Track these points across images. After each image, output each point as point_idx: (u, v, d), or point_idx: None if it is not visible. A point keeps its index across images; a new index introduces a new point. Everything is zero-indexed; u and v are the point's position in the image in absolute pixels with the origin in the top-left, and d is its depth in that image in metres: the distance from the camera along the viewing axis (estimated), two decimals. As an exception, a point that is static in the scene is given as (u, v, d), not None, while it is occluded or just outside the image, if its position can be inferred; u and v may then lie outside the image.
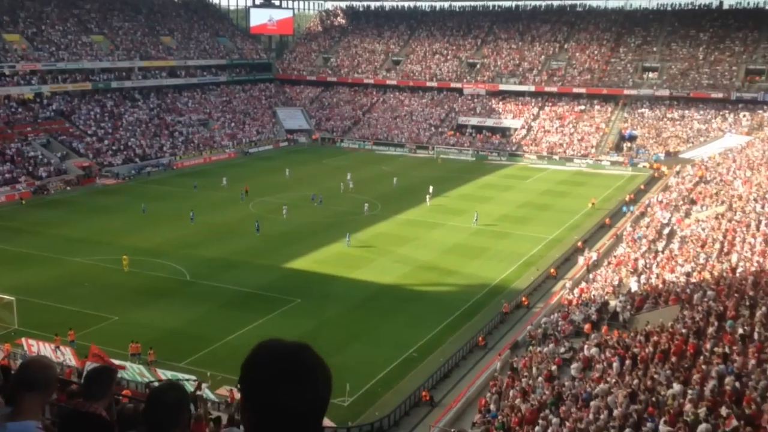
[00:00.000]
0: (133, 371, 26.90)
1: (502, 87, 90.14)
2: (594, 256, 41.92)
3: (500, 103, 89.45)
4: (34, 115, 71.01)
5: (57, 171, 63.37)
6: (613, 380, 22.51)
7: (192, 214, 50.17)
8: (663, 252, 37.64)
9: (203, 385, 25.60)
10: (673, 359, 22.34)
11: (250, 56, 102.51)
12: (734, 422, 16.51)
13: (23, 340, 28.99)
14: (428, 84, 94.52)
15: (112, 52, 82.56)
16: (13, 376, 3.41)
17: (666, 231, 42.13)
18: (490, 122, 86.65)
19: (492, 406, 24.24)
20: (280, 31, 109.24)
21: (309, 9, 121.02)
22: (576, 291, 36.05)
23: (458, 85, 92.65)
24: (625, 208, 55.08)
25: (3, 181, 58.44)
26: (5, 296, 32.50)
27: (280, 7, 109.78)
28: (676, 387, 20.02)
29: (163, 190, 61.43)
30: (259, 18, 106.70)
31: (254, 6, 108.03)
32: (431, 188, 58.83)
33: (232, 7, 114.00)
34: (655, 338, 24.62)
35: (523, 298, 36.74)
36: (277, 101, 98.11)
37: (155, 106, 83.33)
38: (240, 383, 2.08)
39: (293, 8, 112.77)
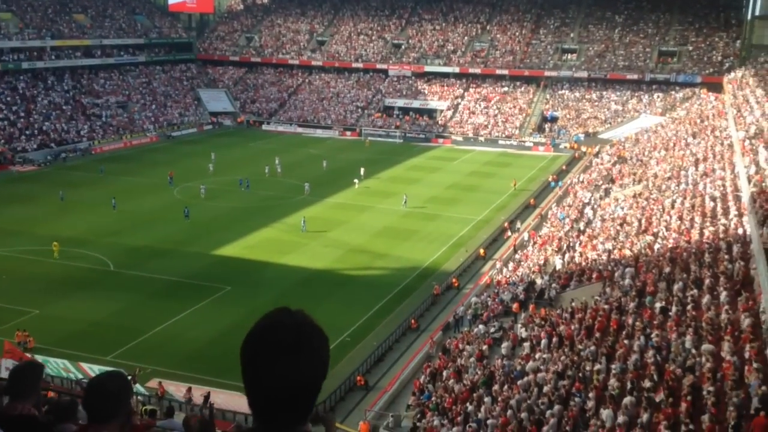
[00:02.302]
0: (57, 367, 25.96)
1: (427, 68, 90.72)
2: (526, 236, 43.04)
3: (426, 84, 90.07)
4: (-64, 97, 66.70)
5: (-36, 158, 59.88)
6: (542, 358, 23.35)
7: (114, 201, 48.49)
8: (585, 231, 39.07)
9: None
10: (598, 335, 23.34)
11: (170, 35, 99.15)
12: (661, 395, 17.45)
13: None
14: (354, 65, 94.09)
15: (22, 31, 78.17)
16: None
17: (587, 210, 43.71)
18: (416, 104, 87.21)
19: (427, 387, 24.73)
20: (200, 9, 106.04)
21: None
22: (505, 271, 37.03)
23: (384, 67, 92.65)
24: (553, 184, 57.36)
25: None
26: None
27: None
28: (601, 362, 20.97)
29: (81, 176, 59.01)
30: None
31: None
32: (362, 170, 58.89)
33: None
34: (580, 315, 25.64)
35: (454, 280, 37.45)
36: (199, 82, 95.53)
37: (70, 87, 79.66)
38: None
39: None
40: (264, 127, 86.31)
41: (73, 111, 75.46)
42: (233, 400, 23.32)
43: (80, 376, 24.66)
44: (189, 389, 24.94)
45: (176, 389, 25.63)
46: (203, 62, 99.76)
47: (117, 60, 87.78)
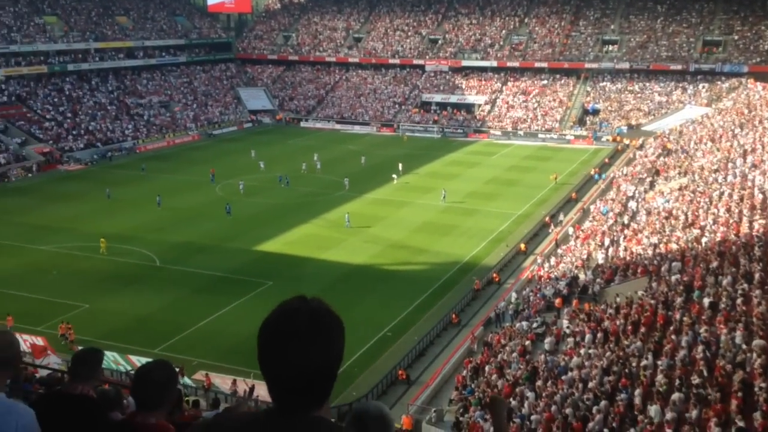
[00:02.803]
0: (107, 359, 26.62)
1: (465, 63, 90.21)
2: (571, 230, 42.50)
3: (463, 79, 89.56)
4: (-12, 100, 68.87)
5: (16, 157, 61.71)
6: (586, 353, 23.07)
7: (158, 199, 49.45)
8: (629, 225, 38.43)
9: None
10: (644, 330, 22.97)
11: (209, 35, 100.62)
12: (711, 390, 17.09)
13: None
14: (391, 61, 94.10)
15: (67, 34, 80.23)
16: None
17: (631, 204, 42.97)
18: (454, 99, 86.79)
19: (468, 383, 24.68)
20: (239, 9, 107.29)
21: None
22: (547, 265, 36.67)
23: (421, 62, 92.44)
24: (596, 177, 56.79)
25: (-41, 170, 56.78)
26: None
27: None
28: (648, 358, 20.63)
29: (127, 174, 60.33)
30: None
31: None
32: (401, 165, 58.95)
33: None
34: (625, 310, 25.26)
35: (494, 275, 37.23)
36: (238, 81, 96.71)
37: (114, 88, 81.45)
38: None
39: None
40: (302, 124, 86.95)
41: (118, 111, 77.14)
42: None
43: (129, 368, 25.29)
44: (234, 381, 25.34)
45: (222, 381, 26.08)
46: (242, 61, 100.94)
47: (159, 61, 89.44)
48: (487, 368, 25.07)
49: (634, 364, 20.54)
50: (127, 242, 41.66)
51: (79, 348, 20.26)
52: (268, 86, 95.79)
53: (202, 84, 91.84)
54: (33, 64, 74.67)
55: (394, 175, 57.26)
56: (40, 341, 27.21)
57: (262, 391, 23.94)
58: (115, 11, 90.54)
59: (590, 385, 20.33)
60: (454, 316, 32.37)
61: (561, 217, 46.86)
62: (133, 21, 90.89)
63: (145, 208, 48.89)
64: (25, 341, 27.52)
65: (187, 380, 25.64)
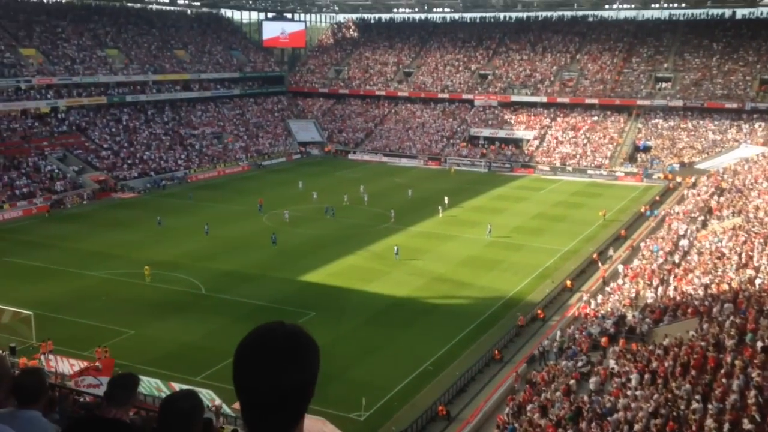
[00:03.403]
0: (150, 386, 26.94)
1: (514, 98, 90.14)
2: (621, 268, 41.50)
3: (512, 114, 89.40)
4: (50, 129, 71.77)
5: (73, 185, 63.95)
6: (633, 395, 22.32)
7: (206, 227, 50.39)
8: (680, 264, 37.34)
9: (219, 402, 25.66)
10: (693, 373, 22.15)
11: (263, 69, 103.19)
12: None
13: (49, 355, 29.15)
14: (440, 95, 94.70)
15: (127, 66, 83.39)
16: None
17: (683, 243, 41.82)
18: (502, 133, 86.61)
19: (510, 421, 24.08)
20: (293, 43, 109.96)
21: (321, 21, 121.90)
22: (593, 303, 35.83)
23: (470, 97, 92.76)
24: (648, 213, 56.17)
25: (20, 196, 59.02)
26: (23, 311, 32.75)
27: (292, 20, 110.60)
28: (698, 401, 19.83)
29: (178, 203, 61.80)
30: (271, 31, 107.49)
31: (267, 19, 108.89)
32: (446, 199, 58.90)
33: (245, 21, 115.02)
34: (674, 351, 24.42)
35: (539, 311, 36.54)
36: (289, 114, 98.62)
37: (169, 119, 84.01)
38: None
39: (305, 21, 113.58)
40: (350, 156, 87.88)
41: (172, 141, 79.41)
42: (315, 425, 23.47)
43: (170, 395, 25.46)
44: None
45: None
46: (293, 94, 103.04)
47: (213, 93, 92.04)
48: (529, 407, 24.47)
49: (682, 408, 19.75)
50: (174, 270, 42.45)
51: (118, 372, 20.59)
52: (318, 119, 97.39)
53: (254, 116, 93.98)
54: (93, 95, 77.68)
55: (440, 208, 57.19)
56: (81, 364, 27.73)
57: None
58: (174, 45, 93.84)
59: (636, 427, 19.62)
60: (496, 352, 31.80)
61: (610, 252, 45.91)
62: (190, 55, 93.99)
63: (194, 236, 49.85)
64: (72, 365, 28.13)
65: (226, 409, 25.73)
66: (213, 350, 31.59)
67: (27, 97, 71.96)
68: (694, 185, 61.18)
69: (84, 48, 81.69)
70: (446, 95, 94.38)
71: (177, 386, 26.78)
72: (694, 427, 18.37)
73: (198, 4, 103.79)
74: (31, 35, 78.20)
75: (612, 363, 26.15)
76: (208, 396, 26.07)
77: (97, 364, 26.99)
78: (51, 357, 28.71)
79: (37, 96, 72.74)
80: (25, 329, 31.65)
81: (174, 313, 36.03)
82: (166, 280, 40.62)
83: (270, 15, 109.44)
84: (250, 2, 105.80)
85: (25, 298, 35.92)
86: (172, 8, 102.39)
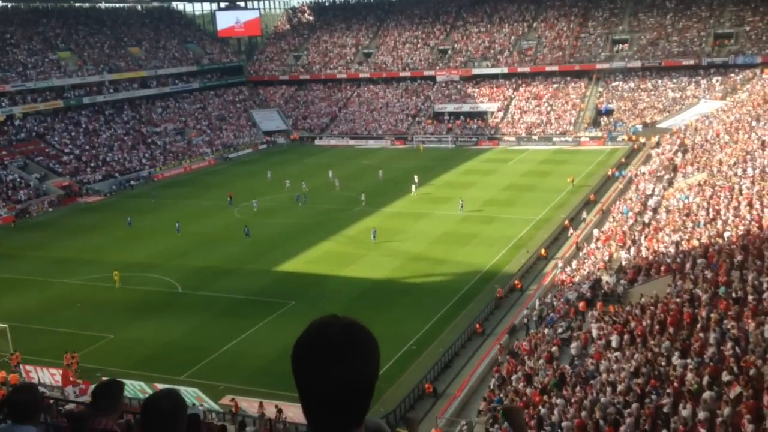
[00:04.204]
0: (134, 389, 26.73)
1: (475, 71, 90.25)
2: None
3: (475, 87, 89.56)
4: (8, 138, 70.09)
5: (37, 193, 62.64)
6: (614, 356, 22.75)
7: (178, 225, 49.83)
8: (650, 223, 37.99)
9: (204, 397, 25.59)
10: (671, 330, 22.62)
11: (221, 60, 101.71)
12: (738, 389, 16.76)
13: (21, 366, 28.75)
14: (401, 74, 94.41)
15: (81, 68, 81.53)
16: None
17: (651, 202, 42.51)
18: (466, 107, 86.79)
19: (496, 392, 24.42)
20: (248, 32, 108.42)
21: (275, 8, 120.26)
22: (569, 269, 36.32)
23: (431, 73, 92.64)
24: (617, 174, 57.05)
25: (-18, 208, 57.70)
26: (-3, 324, 32.14)
27: (246, 8, 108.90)
28: (677, 357, 20.29)
29: (145, 203, 60.91)
30: (225, 21, 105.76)
31: (220, 9, 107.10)
32: (416, 178, 58.96)
33: (197, 12, 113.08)
34: (651, 310, 24.91)
35: (516, 282, 36.95)
36: (251, 104, 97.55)
37: (130, 118, 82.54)
38: None
39: (259, 8, 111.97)
40: (317, 142, 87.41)
41: (134, 141, 78.11)
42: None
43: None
44: (260, 404, 25.31)
45: (249, 405, 26.05)
46: (254, 84, 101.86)
47: (172, 88, 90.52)
48: (514, 377, 24.81)
49: (663, 365, 20.20)
50: (148, 270, 41.98)
51: (102, 379, 20.39)
52: (281, 107, 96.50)
53: (216, 108, 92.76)
54: (49, 100, 75.93)
55: (413, 186, 57.29)
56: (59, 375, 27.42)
57: (290, 413, 23.88)
58: (127, 42, 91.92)
59: (619, 388, 20.03)
60: (477, 326, 32.14)
61: (584, 215, 46.58)
62: (145, 51, 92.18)
63: (165, 235, 49.28)
64: (53, 375, 27.79)
65: (214, 405, 25.68)
66: (195, 348, 31.46)
67: (-20, 107, 70.08)
68: (657, 144, 62.11)
69: (35, 52, 79.64)
70: (408, 73, 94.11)
71: (161, 387, 26.63)
72: (675, 383, 18.80)
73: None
74: (-22, 43, 76.01)
75: (591, 327, 26.59)
76: (193, 394, 25.98)
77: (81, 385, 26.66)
78: (24, 368, 28.33)
79: (-10, 105, 70.89)
80: (2, 342, 31.10)
81: (152, 314, 35.69)
82: (141, 282, 40.17)
83: (223, 5, 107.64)
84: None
85: (-2, 312, 35.27)
86: (122, 5, 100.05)
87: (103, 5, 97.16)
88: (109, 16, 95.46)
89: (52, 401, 17.62)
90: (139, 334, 33.32)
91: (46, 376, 27.77)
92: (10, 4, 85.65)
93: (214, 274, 40.91)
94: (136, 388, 26.57)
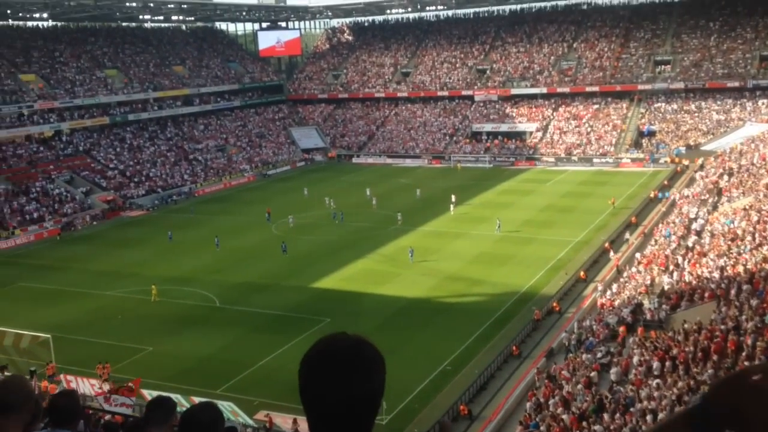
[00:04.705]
0: (171, 402, 26.99)
1: (514, 91, 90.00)
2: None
3: (513, 107, 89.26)
4: (55, 152, 72.12)
5: (82, 206, 64.20)
6: (655, 383, 22.21)
7: (217, 240, 50.49)
8: (694, 248, 37.17)
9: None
10: (715, 357, 22.02)
11: (261, 79, 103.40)
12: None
13: (62, 376, 29.30)
14: (439, 93, 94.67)
15: (126, 85, 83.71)
16: None
17: (695, 226, 41.62)
18: (504, 127, 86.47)
19: (532, 417, 24.00)
20: (289, 52, 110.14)
21: (315, 28, 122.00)
22: (609, 293, 35.69)
23: (469, 93, 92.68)
24: (661, 195, 56.36)
25: (30, 220, 59.30)
26: (41, 334, 32.87)
27: (287, 28, 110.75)
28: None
29: (186, 218, 61.94)
30: (267, 41, 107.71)
31: (261, 29, 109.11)
32: (453, 197, 58.79)
33: (240, 32, 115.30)
34: (694, 337, 24.28)
35: (554, 304, 36.43)
36: (290, 122, 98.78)
37: (173, 135, 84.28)
38: None
39: (300, 28, 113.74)
40: (354, 160, 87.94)
41: (176, 157, 79.64)
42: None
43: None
44: (294, 420, 25.32)
45: (283, 421, 26.08)
46: (293, 102, 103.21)
47: (214, 106, 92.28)
48: (551, 401, 24.37)
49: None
50: (187, 284, 42.56)
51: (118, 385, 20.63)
52: (320, 125, 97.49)
53: (256, 126, 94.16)
54: (95, 116, 78.00)
55: (451, 205, 57.15)
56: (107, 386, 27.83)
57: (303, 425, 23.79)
58: (171, 61, 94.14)
59: (660, 416, 19.51)
60: (514, 348, 31.73)
61: (627, 236, 45.87)
62: (188, 70, 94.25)
63: (205, 249, 49.95)
64: (92, 386, 28.23)
65: (249, 420, 25.79)
66: (231, 362, 31.68)
67: (30, 123, 72.31)
68: (701, 167, 60.93)
69: (83, 70, 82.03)
70: (446, 93, 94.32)
71: (198, 400, 26.86)
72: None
73: (192, 18, 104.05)
74: (30, 61, 78.61)
75: (631, 352, 26.02)
76: (228, 408, 26.13)
77: (130, 384, 27.02)
78: (65, 378, 28.83)
79: (40, 120, 73.11)
80: (45, 352, 31.77)
81: (190, 327, 36.12)
82: (180, 295, 40.72)
83: (264, 25, 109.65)
84: (244, 13, 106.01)
85: (42, 322, 36.08)
86: (167, 25, 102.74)
87: (148, 25, 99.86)
88: (154, 35, 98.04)
89: (91, 411, 17.90)
90: (177, 347, 33.70)
91: (86, 387, 28.24)
92: (60, 23, 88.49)
93: (251, 290, 41.26)
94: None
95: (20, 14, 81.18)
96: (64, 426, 3.83)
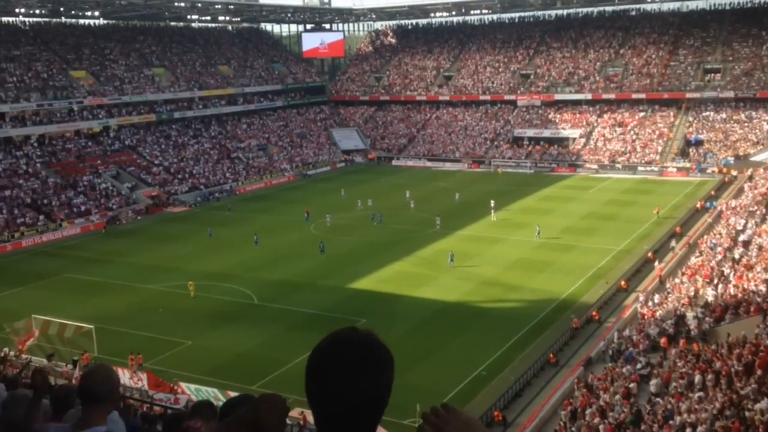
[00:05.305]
0: (208, 395, 27.41)
1: (558, 96, 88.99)
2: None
3: (557, 113, 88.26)
4: (103, 148, 73.89)
5: (127, 201, 65.63)
6: (696, 396, 21.70)
7: (256, 238, 51.07)
8: (740, 260, 36.21)
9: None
10: (759, 372, 21.40)
11: (304, 80, 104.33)
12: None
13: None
14: (481, 97, 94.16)
15: (173, 84, 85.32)
16: (79, 387, 3.48)
17: (742, 237, 40.55)
18: (547, 133, 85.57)
19: (568, 426, 23.67)
20: (332, 53, 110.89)
21: (359, 30, 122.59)
22: (651, 304, 34.99)
23: (512, 97, 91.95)
24: (708, 205, 54.95)
25: (77, 213, 60.86)
26: (84, 324, 33.70)
27: (330, 30, 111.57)
28: (764, 402, 19.15)
29: (227, 215, 62.82)
30: (311, 42, 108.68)
31: (306, 31, 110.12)
32: (493, 202, 58.32)
33: (284, 33, 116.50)
34: (738, 351, 23.65)
35: (594, 313, 35.86)
36: (332, 123, 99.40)
37: (216, 133, 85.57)
38: None
39: (343, 30, 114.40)
40: (394, 162, 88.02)
41: (219, 155, 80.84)
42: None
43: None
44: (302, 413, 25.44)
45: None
46: (335, 103, 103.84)
47: (257, 106, 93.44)
48: (588, 411, 23.99)
49: (748, 408, 19.10)
50: (227, 280, 43.14)
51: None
52: (360, 126, 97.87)
53: (297, 126, 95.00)
54: (142, 113, 79.72)
55: (492, 210, 56.74)
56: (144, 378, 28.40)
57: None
58: (217, 61, 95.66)
59: (699, 430, 19.05)
60: (551, 355, 31.32)
61: (672, 243, 44.93)
62: (233, 70, 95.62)
63: (244, 247, 50.57)
64: (132, 377, 28.83)
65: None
66: (267, 359, 31.99)
67: (80, 118, 74.22)
68: (750, 178, 59.36)
69: (131, 68, 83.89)
70: (488, 97, 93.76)
71: (233, 395, 27.18)
72: (760, 429, 17.74)
73: (238, 19, 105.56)
74: (81, 58, 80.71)
75: (673, 365, 25.47)
76: (264, 405, 26.36)
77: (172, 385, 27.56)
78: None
79: (89, 116, 74.98)
80: (87, 343, 32.55)
81: (228, 323, 36.60)
82: (219, 291, 41.30)
83: (309, 26, 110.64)
84: (289, 15, 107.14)
85: (86, 313, 37.00)
86: (213, 25, 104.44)
87: (196, 25, 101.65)
88: (201, 35, 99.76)
89: (131, 400, 18.26)
90: (215, 341, 34.18)
91: (126, 378, 28.82)
92: (110, 22, 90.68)
93: (289, 288, 41.60)
94: (210, 395, 27.25)
95: (72, 12, 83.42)
96: (93, 405, 3.92)
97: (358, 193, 66.59)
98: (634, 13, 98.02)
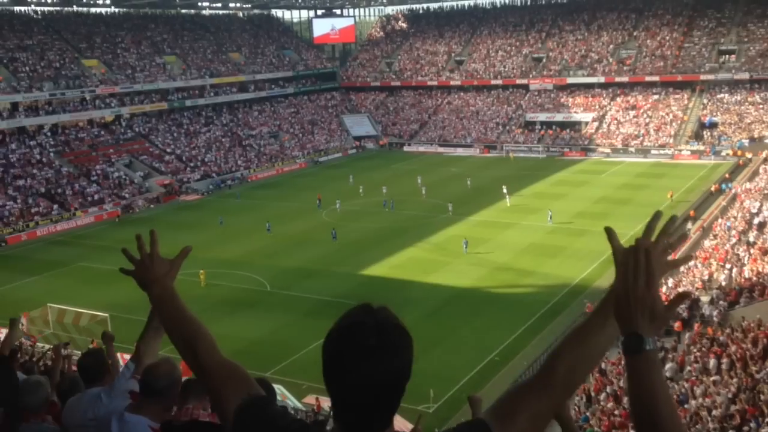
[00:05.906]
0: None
1: (570, 80, 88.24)
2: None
3: (569, 96, 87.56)
4: (115, 137, 74.21)
5: (140, 190, 65.97)
6: (711, 380, 21.60)
7: (268, 225, 51.21)
8: (755, 243, 35.90)
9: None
10: (775, 356, 21.26)
11: (315, 66, 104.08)
12: None
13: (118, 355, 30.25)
14: (493, 82, 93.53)
15: (185, 72, 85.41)
16: (141, 379, 3.53)
17: (756, 221, 40.18)
18: (559, 117, 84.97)
19: (582, 410, 23.66)
20: (343, 39, 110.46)
21: (370, 15, 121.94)
22: (664, 288, 34.79)
23: (524, 81, 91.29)
24: (724, 186, 54.37)
25: (91, 202, 61.27)
26: (99, 313, 34.02)
27: (341, 15, 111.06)
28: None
29: (239, 203, 63.00)
30: (321, 28, 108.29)
31: (317, 17, 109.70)
32: (505, 188, 58.05)
33: (295, 20, 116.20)
34: (753, 334, 23.50)
35: (607, 297, 35.65)
36: (343, 109, 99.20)
37: (228, 121, 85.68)
38: None
39: (354, 16, 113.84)
40: (405, 148, 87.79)
41: (231, 143, 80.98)
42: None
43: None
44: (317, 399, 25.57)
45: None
46: (346, 89, 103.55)
47: (268, 93, 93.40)
48: (602, 395, 23.96)
49: (764, 392, 18.99)
50: (239, 268, 43.33)
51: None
52: (372, 112, 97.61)
53: (309, 113, 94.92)
54: (154, 102, 79.93)
55: (507, 196, 56.49)
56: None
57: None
58: (228, 48, 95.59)
59: (714, 413, 18.97)
60: (564, 340, 31.22)
61: (689, 225, 44.66)
62: (245, 57, 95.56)
63: (256, 234, 50.73)
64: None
65: (297, 404, 26.14)
66: (281, 346, 32.15)
67: (92, 107, 74.53)
68: (765, 160, 58.72)
69: (143, 56, 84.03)
70: (499, 81, 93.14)
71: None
72: (778, 413, 17.64)
73: (249, 6, 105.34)
74: (93, 47, 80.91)
75: (687, 349, 25.36)
76: (278, 391, 26.55)
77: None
78: (122, 357, 29.71)
79: (101, 105, 75.29)
80: (102, 330, 32.80)
81: (241, 310, 36.80)
82: (232, 279, 41.50)
83: (319, 12, 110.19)
84: (300, 1, 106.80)
85: (101, 301, 37.31)
86: (224, 12, 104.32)
87: (207, 12, 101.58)
88: (212, 22, 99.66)
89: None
90: (228, 328, 34.32)
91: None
92: (122, 10, 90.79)
93: (301, 275, 41.72)
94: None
95: (84, 0, 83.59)
96: (92, 384, 3.94)
97: (367, 180, 66.49)
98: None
